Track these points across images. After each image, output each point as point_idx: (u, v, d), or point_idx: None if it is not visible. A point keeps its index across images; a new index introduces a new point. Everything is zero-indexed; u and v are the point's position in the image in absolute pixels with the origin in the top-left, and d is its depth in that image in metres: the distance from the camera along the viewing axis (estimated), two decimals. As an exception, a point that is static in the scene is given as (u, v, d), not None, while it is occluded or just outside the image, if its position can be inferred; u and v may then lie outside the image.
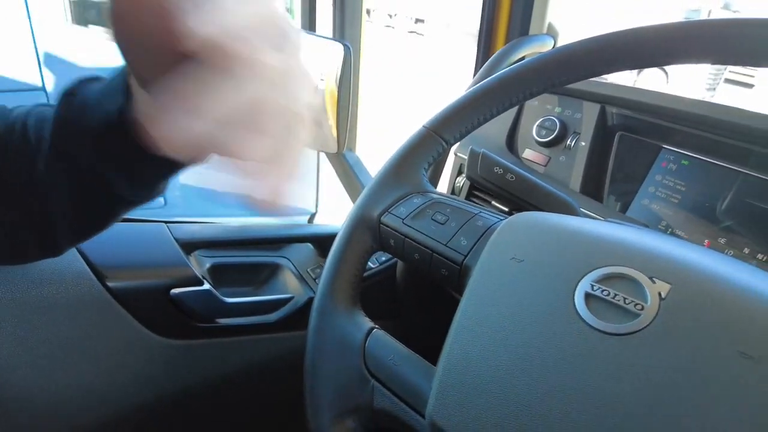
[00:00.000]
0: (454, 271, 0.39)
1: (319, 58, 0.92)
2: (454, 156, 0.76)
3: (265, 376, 0.64)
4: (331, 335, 0.39)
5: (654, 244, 0.32)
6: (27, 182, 0.35)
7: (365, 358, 0.37)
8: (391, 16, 11.40)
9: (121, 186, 0.35)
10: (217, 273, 0.64)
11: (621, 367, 0.27)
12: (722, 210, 0.59)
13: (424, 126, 0.46)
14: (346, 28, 0.94)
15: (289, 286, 0.66)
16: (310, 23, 0.99)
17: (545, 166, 0.69)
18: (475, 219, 0.41)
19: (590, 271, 0.31)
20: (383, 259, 0.73)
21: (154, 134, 0.21)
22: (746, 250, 0.57)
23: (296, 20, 1.14)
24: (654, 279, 0.30)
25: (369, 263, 0.72)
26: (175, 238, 0.57)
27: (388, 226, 0.42)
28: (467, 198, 0.72)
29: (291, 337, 0.64)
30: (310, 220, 1.82)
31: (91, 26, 1.73)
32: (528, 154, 0.70)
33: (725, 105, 0.60)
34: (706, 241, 0.59)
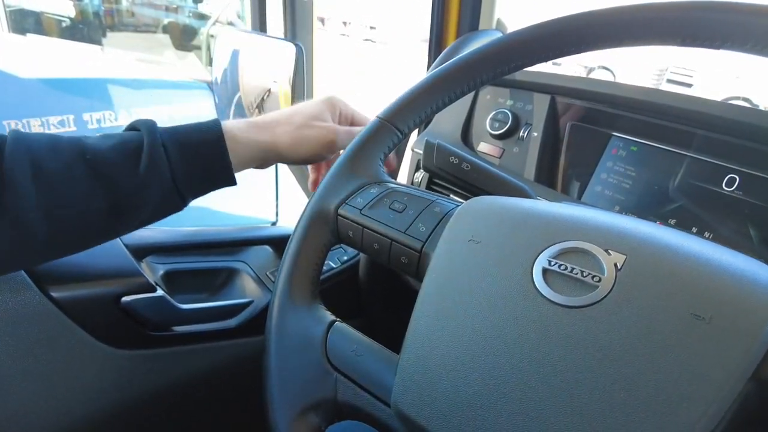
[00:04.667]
0: (413, 258, 0.38)
1: (271, 60, 0.91)
2: (411, 152, 0.76)
3: (226, 383, 0.61)
4: (291, 331, 0.38)
5: (608, 219, 0.33)
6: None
7: (327, 352, 0.36)
8: (345, 24, 11.44)
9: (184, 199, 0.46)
10: (172, 279, 0.61)
11: (582, 339, 0.27)
12: (671, 192, 0.61)
13: (378, 117, 0.46)
14: (298, 30, 0.93)
15: (248, 290, 0.64)
16: (260, 24, 0.97)
17: (500, 158, 0.69)
18: (433, 205, 0.41)
19: (547, 247, 0.31)
20: (345, 258, 0.72)
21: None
22: (694, 230, 0.59)
23: (247, 23, 1.13)
24: (609, 251, 0.30)
25: (330, 263, 0.71)
26: (124, 244, 0.55)
27: (345, 218, 0.42)
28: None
29: (252, 342, 0.62)
30: (271, 229, 1.79)
31: (29, 35, 1.66)
32: (483, 147, 0.71)
33: (669, 91, 0.62)
34: (657, 222, 0.61)
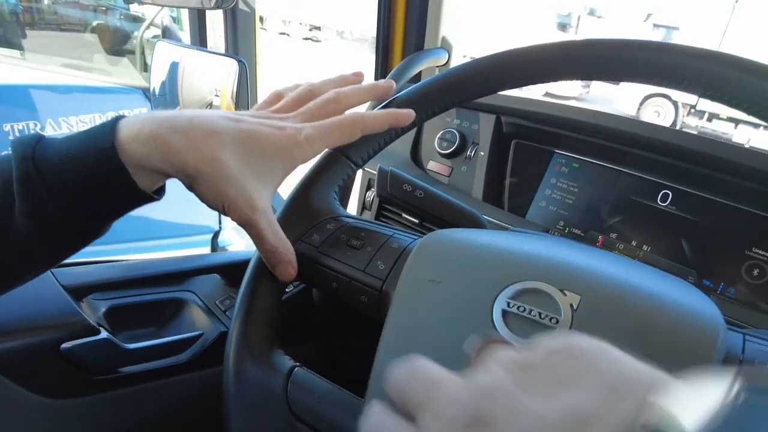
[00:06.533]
0: (373, 297, 0.38)
1: (212, 73, 0.88)
2: (361, 171, 0.76)
3: (182, 419, 0.59)
4: (250, 384, 0.37)
5: (561, 254, 0.34)
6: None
7: (289, 404, 0.36)
8: (285, 23, 11.25)
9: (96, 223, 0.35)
10: (115, 316, 0.58)
11: None
12: (611, 207, 0.64)
13: (331, 149, 0.46)
14: (240, 42, 0.91)
15: (197, 321, 0.62)
16: (200, 39, 0.94)
17: (449, 176, 0.70)
18: (390, 241, 0.41)
19: (505, 288, 0.32)
20: (297, 281, 0.71)
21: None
22: (634, 243, 0.62)
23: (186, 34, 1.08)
24: (565, 291, 0.31)
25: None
26: (62, 285, 0.51)
27: (302, 256, 0.41)
28: (378, 211, 0.72)
29: (205, 375, 0.60)
30: (215, 238, 1.73)
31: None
32: (432, 165, 0.72)
33: (606, 113, 0.66)
34: (600, 237, 0.64)
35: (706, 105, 7.73)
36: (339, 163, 0.45)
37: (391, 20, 0.77)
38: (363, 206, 0.73)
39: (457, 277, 0.34)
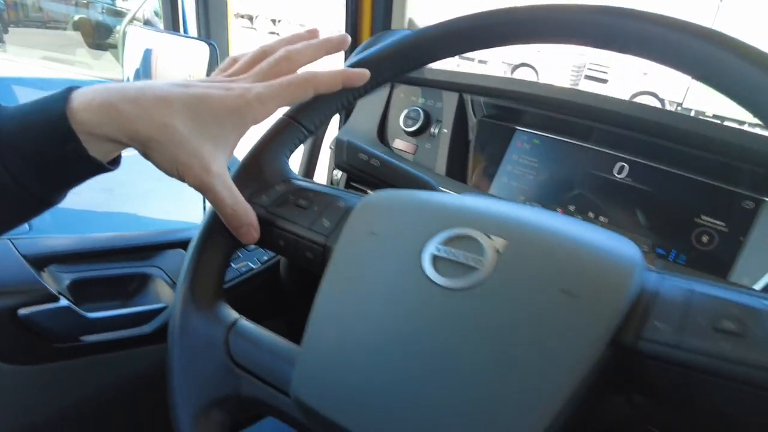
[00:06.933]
0: (318, 253, 0.39)
1: (185, 59, 0.89)
2: (330, 150, 0.77)
3: (145, 390, 0.60)
4: (194, 333, 0.38)
5: (493, 206, 0.35)
6: None
7: (230, 351, 0.37)
8: (275, 22, 11.24)
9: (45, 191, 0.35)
10: (79, 289, 0.58)
11: (463, 318, 0.29)
12: (570, 181, 0.66)
13: (284, 114, 0.47)
14: (212, 29, 0.91)
15: (163, 296, 0.63)
16: (173, 23, 0.95)
17: (414, 154, 0.72)
18: (338, 201, 0.42)
19: (436, 235, 0.33)
20: (265, 258, 0.72)
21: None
22: (591, 214, 0.64)
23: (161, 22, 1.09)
24: (491, 236, 0.32)
25: (250, 263, 0.71)
26: (22, 254, 0.52)
27: None
28: (345, 188, 0.73)
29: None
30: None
31: None
32: (398, 143, 0.73)
33: (569, 88, 0.67)
34: (558, 209, 0.66)
35: (692, 103, 7.81)
36: (290, 128, 0.46)
37: (358, 3, 0.78)
38: (330, 184, 0.74)
39: (394, 228, 0.35)
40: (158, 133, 0.35)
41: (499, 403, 0.27)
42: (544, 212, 0.37)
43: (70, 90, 0.34)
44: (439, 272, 0.31)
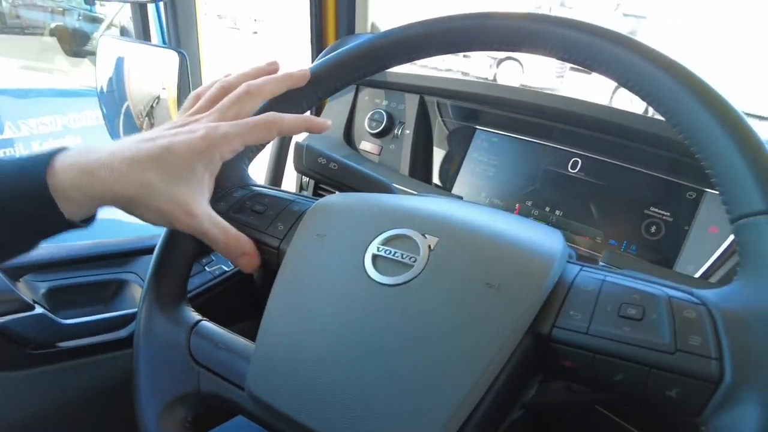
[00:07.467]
0: (272, 256, 0.42)
1: (157, 67, 0.90)
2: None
3: (121, 394, 0.62)
4: (157, 334, 0.40)
5: (431, 206, 0.38)
6: None
7: (191, 351, 0.39)
8: (256, 21, 11.21)
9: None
10: (55, 297, 0.60)
11: (398, 312, 0.32)
12: (527, 177, 0.68)
13: None
14: (182, 36, 0.93)
15: (138, 300, 0.65)
16: (144, 33, 0.96)
17: (379, 155, 0.74)
18: (292, 205, 0.44)
19: (377, 235, 0.36)
20: (239, 260, 0.74)
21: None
22: (547, 209, 0.67)
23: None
24: (426, 235, 0.35)
25: (224, 267, 0.73)
26: (-4, 265, 0.54)
27: None
28: (314, 193, 0.75)
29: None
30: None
31: None
32: (364, 145, 0.76)
33: (521, 88, 0.70)
34: (517, 205, 0.68)
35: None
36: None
37: (322, 6, 0.80)
38: (300, 188, 0.77)
39: (340, 230, 0.38)
40: (136, 191, 0.37)
41: (429, 388, 0.30)
42: (481, 209, 0.40)
43: (53, 154, 0.36)
44: (379, 270, 0.34)
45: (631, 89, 0.37)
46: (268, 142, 0.44)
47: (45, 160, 0.35)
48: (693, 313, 0.27)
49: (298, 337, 0.34)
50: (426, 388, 0.30)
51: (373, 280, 0.34)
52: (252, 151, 0.48)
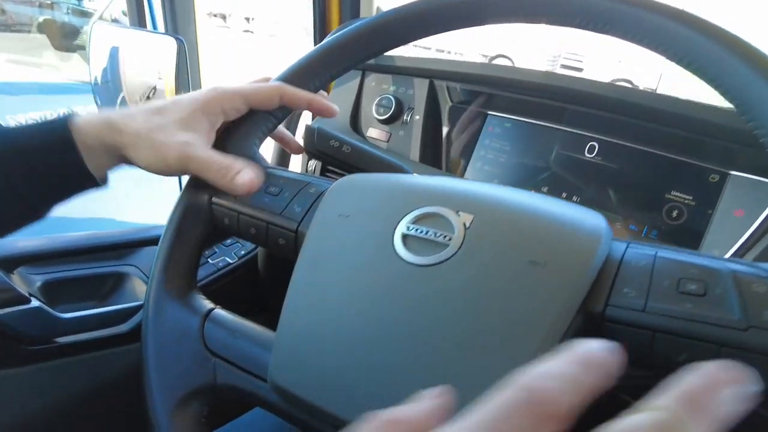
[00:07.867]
0: (290, 239, 0.39)
1: (153, 55, 0.87)
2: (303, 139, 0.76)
3: (124, 390, 0.59)
4: (168, 323, 0.37)
5: (460, 185, 0.35)
6: None
7: (205, 340, 0.36)
8: (248, 20, 11.13)
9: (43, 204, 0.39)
10: (51, 290, 0.57)
11: (433, 293, 0.30)
12: (541, 163, 0.66)
13: None
14: (179, 24, 0.90)
15: (139, 294, 0.62)
16: (139, 20, 0.93)
17: (387, 142, 0.72)
18: (308, 186, 0.42)
19: (406, 215, 0.33)
20: (242, 252, 0.71)
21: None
22: (564, 195, 0.65)
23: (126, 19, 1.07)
24: (459, 212, 0.32)
25: (227, 258, 0.70)
26: (-12, 257, 0.51)
27: (220, 206, 0.41)
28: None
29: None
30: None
31: None
32: (371, 132, 0.73)
33: (534, 70, 0.68)
34: (532, 191, 0.66)
35: (667, 89, 7.95)
36: (259, 116, 0.45)
37: (326, -9, 0.77)
38: (305, 172, 0.74)
39: (365, 210, 0.35)
40: (147, 131, 0.39)
41: (473, 373, 0.27)
42: (511, 189, 0.37)
43: (72, 115, 0.39)
44: (410, 250, 0.32)
45: (671, 58, 0.35)
46: (269, 110, 0.45)
47: (69, 114, 0.39)
48: (763, 287, 0.25)
49: (324, 323, 0.32)
50: (469, 372, 0.27)
51: (405, 261, 0.31)
52: (262, 132, 0.46)
